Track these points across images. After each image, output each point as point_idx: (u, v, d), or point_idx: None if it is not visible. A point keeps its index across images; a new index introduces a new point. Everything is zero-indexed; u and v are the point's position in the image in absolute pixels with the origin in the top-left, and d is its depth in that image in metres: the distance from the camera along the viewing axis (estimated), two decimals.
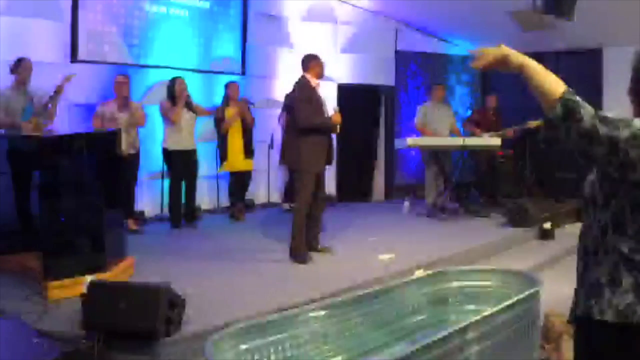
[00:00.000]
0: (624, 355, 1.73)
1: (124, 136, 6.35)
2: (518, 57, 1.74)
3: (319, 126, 5.41)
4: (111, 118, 6.30)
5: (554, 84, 1.66)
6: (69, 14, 6.60)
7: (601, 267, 1.78)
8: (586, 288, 1.82)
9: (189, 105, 6.87)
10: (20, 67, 5.47)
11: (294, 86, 5.64)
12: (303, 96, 5.44)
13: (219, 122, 7.40)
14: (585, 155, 1.67)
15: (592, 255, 1.83)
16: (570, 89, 1.66)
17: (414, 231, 6.96)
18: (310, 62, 5.54)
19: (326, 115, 5.52)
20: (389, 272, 4.77)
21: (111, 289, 3.59)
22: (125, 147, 6.34)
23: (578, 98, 1.64)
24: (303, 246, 5.42)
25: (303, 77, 5.54)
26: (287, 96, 6.67)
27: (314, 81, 5.50)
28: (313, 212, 5.52)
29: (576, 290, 1.91)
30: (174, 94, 6.73)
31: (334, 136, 5.83)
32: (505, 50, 1.75)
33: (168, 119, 6.75)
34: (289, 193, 8.29)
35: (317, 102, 5.47)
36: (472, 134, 8.34)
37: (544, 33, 8.46)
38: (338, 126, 5.62)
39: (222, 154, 7.47)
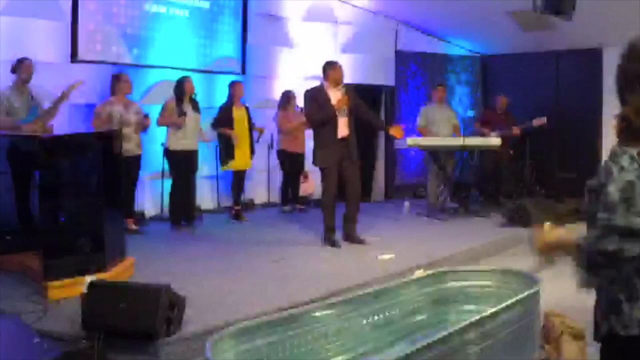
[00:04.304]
0: None
1: (133, 137, 6.36)
2: (557, 244, 1.93)
3: (322, 120, 5.90)
4: (121, 119, 6.23)
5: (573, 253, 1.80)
6: (69, 14, 6.59)
7: (616, 283, 1.77)
8: (605, 305, 1.81)
9: (195, 107, 6.81)
10: (22, 67, 5.44)
11: None
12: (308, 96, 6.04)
13: (223, 121, 7.36)
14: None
15: (604, 272, 1.81)
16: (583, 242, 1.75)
17: (414, 231, 6.96)
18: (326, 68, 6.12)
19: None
20: (388, 271, 4.77)
21: (111, 289, 3.59)
22: (133, 147, 6.33)
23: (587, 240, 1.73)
24: (330, 234, 6.02)
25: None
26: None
27: (326, 84, 6.04)
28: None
29: (596, 308, 1.90)
30: (182, 93, 6.68)
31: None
32: (546, 241, 1.96)
33: (163, 119, 6.72)
34: (285, 195, 8.29)
35: (322, 102, 5.93)
36: (482, 134, 8.34)
37: (544, 33, 8.45)
38: (343, 104, 5.88)
39: (227, 153, 7.39)
